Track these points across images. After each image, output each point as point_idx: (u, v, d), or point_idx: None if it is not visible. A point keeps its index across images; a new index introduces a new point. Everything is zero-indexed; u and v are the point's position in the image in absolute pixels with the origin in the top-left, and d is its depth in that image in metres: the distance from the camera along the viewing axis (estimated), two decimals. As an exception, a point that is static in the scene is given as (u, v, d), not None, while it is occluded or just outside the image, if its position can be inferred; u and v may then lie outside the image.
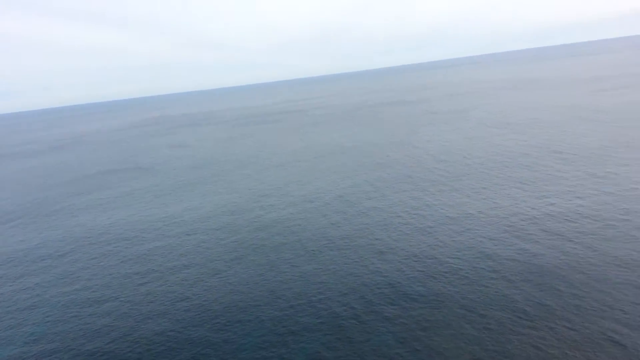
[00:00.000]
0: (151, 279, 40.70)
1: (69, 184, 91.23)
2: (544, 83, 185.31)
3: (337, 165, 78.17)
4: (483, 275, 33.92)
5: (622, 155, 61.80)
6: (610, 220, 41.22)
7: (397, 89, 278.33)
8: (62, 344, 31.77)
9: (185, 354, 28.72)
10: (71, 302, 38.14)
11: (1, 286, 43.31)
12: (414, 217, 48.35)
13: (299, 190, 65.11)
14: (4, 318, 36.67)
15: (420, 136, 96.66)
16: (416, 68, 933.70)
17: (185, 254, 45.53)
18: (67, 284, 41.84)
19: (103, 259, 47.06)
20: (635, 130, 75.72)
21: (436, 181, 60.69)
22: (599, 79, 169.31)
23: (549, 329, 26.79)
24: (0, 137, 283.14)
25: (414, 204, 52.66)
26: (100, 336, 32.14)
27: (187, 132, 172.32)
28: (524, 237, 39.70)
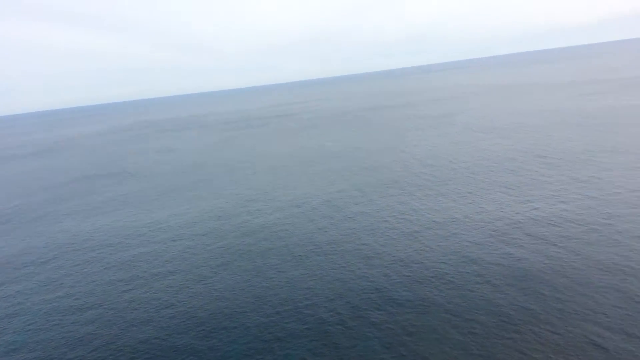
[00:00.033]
0: (135, 285, 40.25)
1: (52, 189, 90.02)
2: (531, 87, 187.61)
3: (325, 170, 78.22)
4: (468, 280, 34.11)
5: (605, 159, 62.72)
6: (594, 224, 41.76)
7: (379, 94, 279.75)
8: (43, 353, 31.22)
9: (169, 362, 28.41)
10: (53, 309, 37.54)
11: (-18, 294, 42.50)
12: (401, 221, 48.51)
13: (286, 195, 64.99)
14: (-16, 327, 35.96)
15: (408, 140, 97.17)
16: (414, 71, 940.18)
17: (171, 260, 45.12)
18: (50, 291, 41.20)
19: (87, 266, 46.45)
20: (619, 134, 76.94)
21: (423, 186, 61.01)
22: (585, 83, 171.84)
23: (533, 333, 26.99)
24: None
25: (400, 208, 52.85)
26: (83, 344, 31.66)
27: (174, 136, 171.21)
28: (509, 242, 40.04)
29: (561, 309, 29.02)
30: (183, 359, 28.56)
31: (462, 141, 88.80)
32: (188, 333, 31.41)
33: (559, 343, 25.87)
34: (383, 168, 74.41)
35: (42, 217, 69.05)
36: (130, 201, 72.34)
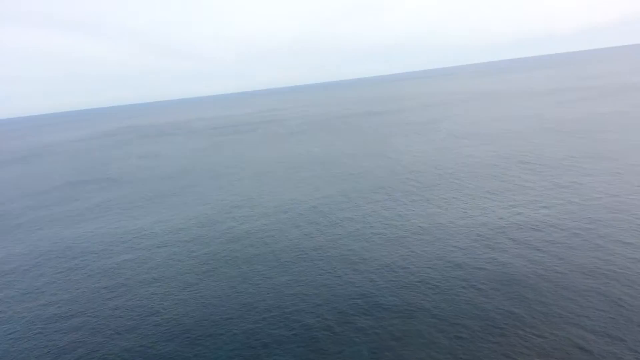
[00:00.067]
0: (119, 293, 39.71)
1: (34, 196, 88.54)
2: (516, 94, 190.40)
3: (311, 176, 78.26)
4: (454, 285, 34.37)
5: (587, 165, 63.88)
6: (576, 229, 42.44)
7: (365, 100, 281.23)
8: (24, 363, 30.62)
9: (154, 370, 28.06)
10: (36, 318, 36.84)
11: (-40, 303, 41.54)
12: (387, 227, 48.73)
13: (272, 201, 64.85)
14: (-38, 336, 35.13)
15: (393, 147, 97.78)
16: (385, 79, 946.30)
17: (155, 267, 44.64)
18: (32, 299, 40.44)
19: (69, 273, 45.71)
20: (599, 141, 78.44)
21: (408, 191, 61.41)
22: (568, 90, 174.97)
23: (518, 337, 27.29)
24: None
25: (386, 214, 53.10)
26: (66, 353, 31.10)
27: (158, 141, 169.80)
28: (493, 247, 40.48)
29: (545, 313, 29.40)
30: (168, 366, 28.23)
31: (446, 147, 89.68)
32: (173, 341, 31.07)
33: (544, 346, 26.18)
34: (369, 174, 74.74)
35: (23, 224, 67.85)
36: (113, 207, 71.48)
